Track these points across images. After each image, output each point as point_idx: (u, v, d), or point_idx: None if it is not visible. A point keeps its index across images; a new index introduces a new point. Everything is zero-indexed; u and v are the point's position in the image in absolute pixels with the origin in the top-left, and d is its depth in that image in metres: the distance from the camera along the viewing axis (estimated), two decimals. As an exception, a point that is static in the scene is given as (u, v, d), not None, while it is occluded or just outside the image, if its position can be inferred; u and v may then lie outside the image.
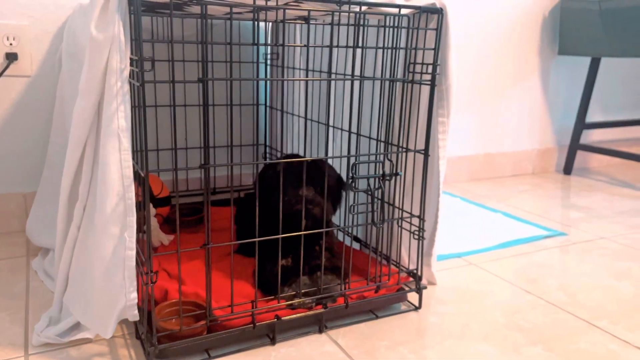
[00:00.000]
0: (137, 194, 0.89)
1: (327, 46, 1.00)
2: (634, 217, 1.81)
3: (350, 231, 1.32)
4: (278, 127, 1.65)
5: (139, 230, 0.91)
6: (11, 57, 1.41)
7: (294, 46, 1.54)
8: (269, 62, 1.68)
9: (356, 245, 1.31)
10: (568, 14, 2.20)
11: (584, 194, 2.09)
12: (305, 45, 0.96)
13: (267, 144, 1.75)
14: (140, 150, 0.88)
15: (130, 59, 0.85)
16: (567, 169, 2.42)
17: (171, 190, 1.46)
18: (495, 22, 2.15)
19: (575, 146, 2.37)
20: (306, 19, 1.21)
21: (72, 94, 1.03)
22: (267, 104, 1.72)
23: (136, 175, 0.89)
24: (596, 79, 2.31)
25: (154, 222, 1.31)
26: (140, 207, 0.89)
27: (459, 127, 2.17)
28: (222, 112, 1.66)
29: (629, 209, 1.90)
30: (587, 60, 2.38)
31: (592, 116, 2.54)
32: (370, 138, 1.22)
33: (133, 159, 0.88)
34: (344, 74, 1.29)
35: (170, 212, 1.45)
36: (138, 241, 0.93)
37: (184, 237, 1.36)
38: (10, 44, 1.41)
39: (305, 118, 1.03)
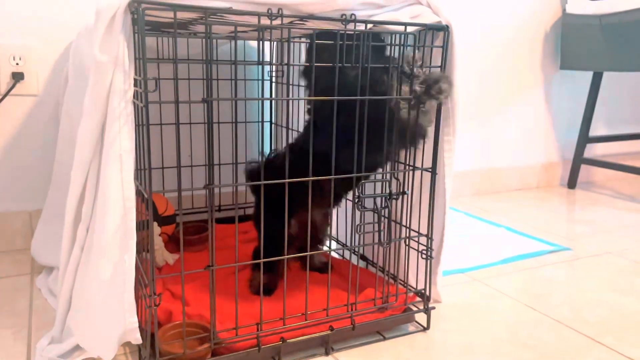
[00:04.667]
0: (142, 213, 0.89)
1: (332, 65, 0.99)
2: (639, 231, 1.79)
3: (357, 250, 1.32)
4: (283, 143, 1.65)
5: (143, 249, 0.90)
6: (17, 77, 1.42)
7: (299, 65, 1.54)
8: (273, 79, 1.68)
9: (363, 264, 1.30)
10: (569, 29, 2.21)
11: (588, 208, 2.08)
12: (308, 65, 0.97)
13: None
14: (143, 169, 0.88)
15: (134, 79, 0.85)
16: (572, 183, 2.41)
17: (176, 209, 1.46)
18: (497, 37, 2.16)
19: (579, 160, 2.36)
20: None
21: (78, 113, 1.03)
22: (272, 121, 1.72)
23: (140, 194, 0.89)
24: (599, 92, 2.31)
25: (159, 241, 1.30)
26: (144, 226, 0.89)
27: (463, 142, 2.17)
28: (227, 129, 1.67)
29: (634, 222, 1.89)
30: (589, 74, 2.38)
31: (595, 130, 2.53)
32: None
33: (137, 178, 0.88)
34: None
35: (176, 230, 1.45)
36: (142, 262, 0.93)
37: (189, 256, 1.36)
38: (17, 64, 1.42)
39: (311, 135, 1.03)
